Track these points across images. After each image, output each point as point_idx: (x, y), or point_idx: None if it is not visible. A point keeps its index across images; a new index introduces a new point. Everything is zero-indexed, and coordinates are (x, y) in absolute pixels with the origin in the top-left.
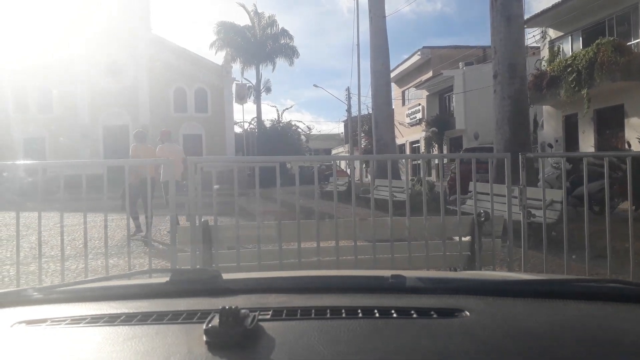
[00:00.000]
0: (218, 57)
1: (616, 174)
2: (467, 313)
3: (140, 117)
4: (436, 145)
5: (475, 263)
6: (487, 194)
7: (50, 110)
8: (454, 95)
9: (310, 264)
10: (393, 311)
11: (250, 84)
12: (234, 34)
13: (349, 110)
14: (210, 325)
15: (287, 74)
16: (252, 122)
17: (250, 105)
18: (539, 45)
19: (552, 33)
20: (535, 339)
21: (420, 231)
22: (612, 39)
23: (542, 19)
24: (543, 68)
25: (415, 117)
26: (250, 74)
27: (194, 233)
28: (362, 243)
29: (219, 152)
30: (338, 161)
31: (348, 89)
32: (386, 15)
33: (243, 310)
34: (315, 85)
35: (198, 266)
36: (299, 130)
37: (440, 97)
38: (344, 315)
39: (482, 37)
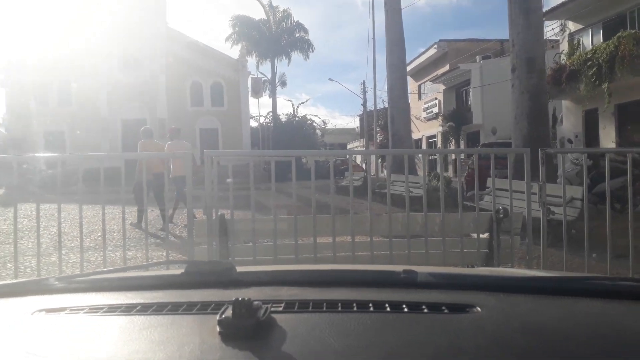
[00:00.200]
0: (233, 51)
1: (639, 170)
2: (479, 309)
3: (158, 111)
4: (453, 140)
5: (494, 260)
6: (506, 190)
7: (70, 104)
8: (471, 90)
9: (325, 259)
10: (404, 306)
11: (266, 78)
12: (249, 28)
13: (364, 105)
14: (223, 316)
15: (302, 68)
16: (268, 116)
17: (265, 100)
18: (558, 38)
19: (572, 26)
20: (546, 335)
21: (438, 227)
22: (633, 31)
23: (562, 11)
24: (562, 62)
25: (432, 112)
26: (266, 68)
27: (210, 226)
28: (378, 239)
29: (234, 146)
30: (354, 156)
31: (363, 83)
32: (402, 8)
33: (256, 302)
34: (330, 79)
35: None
36: (314, 124)
37: (457, 91)
38: (355, 308)
39: (500, 30)
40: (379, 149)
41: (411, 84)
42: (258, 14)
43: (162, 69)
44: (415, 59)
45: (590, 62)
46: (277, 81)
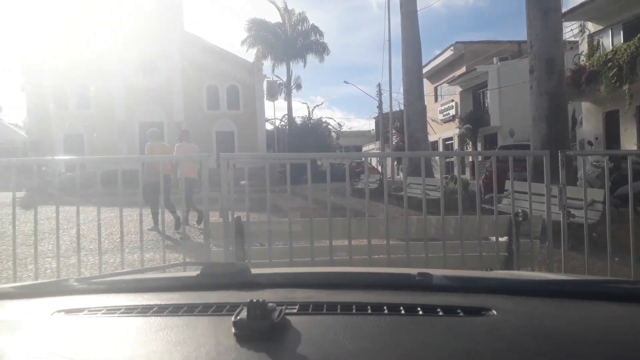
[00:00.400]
0: (249, 54)
1: None
2: (494, 312)
3: (175, 114)
4: (470, 143)
5: (513, 264)
6: (525, 192)
7: (88, 107)
8: (488, 91)
9: (341, 262)
10: (419, 308)
11: (281, 81)
12: (265, 31)
13: (380, 107)
14: (238, 317)
15: (317, 71)
16: (283, 119)
17: (281, 102)
18: (578, 39)
19: (591, 27)
20: (563, 339)
21: (455, 231)
22: None
23: (581, 12)
24: (582, 63)
25: (448, 114)
26: (281, 71)
27: (226, 229)
28: (394, 242)
29: (250, 149)
30: (369, 158)
31: (379, 85)
32: (418, 10)
33: (270, 304)
34: (345, 82)
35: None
36: (330, 127)
37: (474, 93)
38: (369, 311)
39: (518, 32)
40: (395, 151)
41: (427, 86)
42: (274, 17)
43: (178, 72)
44: (431, 61)
45: (610, 64)
46: (292, 84)
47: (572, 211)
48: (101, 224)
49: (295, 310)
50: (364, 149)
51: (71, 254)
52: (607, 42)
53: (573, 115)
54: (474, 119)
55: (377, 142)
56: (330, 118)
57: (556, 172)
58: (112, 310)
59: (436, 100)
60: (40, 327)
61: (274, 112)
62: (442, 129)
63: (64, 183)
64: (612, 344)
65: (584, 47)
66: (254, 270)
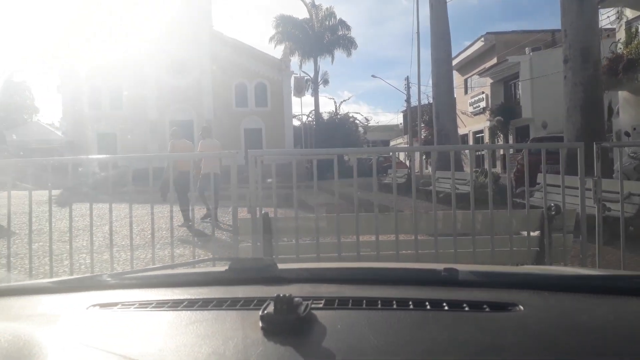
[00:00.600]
0: (277, 51)
1: None
2: (521, 307)
3: (205, 112)
4: (501, 135)
5: (545, 259)
6: (558, 186)
7: (121, 108)
8: (520, 83)
9: (368, 258)
10: (445, 304)
11: (308, 77)
12: (292, 28)
13: (408, 100)
14: (265, 312)
15: (344, 66)
16: (310, 115)
17: (308, 98)
18: (614, 26)
19: (629, 13)
20: (591, 335)
21: (485, 226)
22: None
23: None
24: (619, 51)
25: (479, 106)
26: (309, 67)
27: (254, 225)
28: (423, 237)
29: (278, 145)
30: (397, 153)
31: (407, 78)
32: (447, 0)
33: (297, 299)
34: (373, 76)
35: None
36: (357, 122)
37: (506, 84)
38: (394, 306)
39: (551, 21)
40: (424, 145)
41: (457, 78)
42: (301, 13)
43: (208, 71)
44: (461, 53)
45: None
46: (319, 80)
47: (608, 204)
48: (133, 220)
49: (321, 305)
50: (392, 143)
51: (104, 250)
52: None
53: (609, 105)
54: (505, 111)
55: (405, 136)
56: (357, 113)
57: (591, 164)
58: (144, 305)
59: (466, 92)
60: (77, 320)
61: (301, 108)
62: (472, 121)
63: (98, 181)
64: None
65: (621, 35)
66: (280, 266)
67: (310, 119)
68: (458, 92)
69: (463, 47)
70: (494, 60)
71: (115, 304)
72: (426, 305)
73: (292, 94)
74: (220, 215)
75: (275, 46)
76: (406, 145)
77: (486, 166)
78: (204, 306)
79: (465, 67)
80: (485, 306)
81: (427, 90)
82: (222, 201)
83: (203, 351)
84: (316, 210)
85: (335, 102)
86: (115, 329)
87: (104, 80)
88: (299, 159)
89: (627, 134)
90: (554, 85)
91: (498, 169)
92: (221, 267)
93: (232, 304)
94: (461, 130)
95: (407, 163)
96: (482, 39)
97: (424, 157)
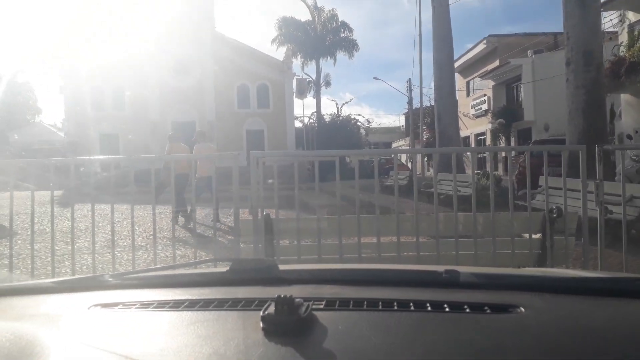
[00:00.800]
0: (279, 53)
1: None
2: (522, 309)
3: (206, 114)
4: (503, 138)
5: (546, 262)
6: (560, 188)
7: (123, 109)
8: (522, 85)
9: (370, 259)
10: (445, 305)
11: (310, 79)
12: (294, 29)
13: (410, 103)
14: (266, 312)
15: (346, 68)
16: (312, 117)
17: (310, 100)
18: (617, 29)
19: (632, 16)
20: (592, 337)
21: (487, 228)
22: None
23: (620, 1)
24: (621, 54)
25: (481, 109)
26: (311, 69)
27: (256, 226)
28: (424, 239)
29: (280, 147)
30: (399, 154)
31: (409, 81)
32: (449, 3)
33: (298, 300)
34: (375, 78)
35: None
36: (359, 123)
37: (508, 87)
38: (395, 307)
39: (554, 23)
40: (425, 147)
41: (459, 81)
42: (303, 15)
43: (210, 72)
44: (463, 55)
45: None
46: (321, 81)
47: (610, 207)
48: (134, 221)
49: (322, 306)
50: (394, 145)
51: (106, 250)
52: None
53: (611, 108)
54: (507, 113)
55: (407, 138)
56: (359, 115)
57: (593, 167)
58: (145, 305)
59: (468, 94)
60: (78, 320)
61: (303, 109)
62: (474, 124)
63: (100, 182)
64: None
65: (623, 38)
66: (281, 267)
67: (312, 120)
68: (460, 95)
69: (465, 49)
70: (496, 63)
71: (116, 304)
72: (427, 307)
73: (294, 96)
74: (222, 216)
75: (277, 48)
76: (408, 147)
77: (488, 168)
78: (205, 307)
79: (468, 69)
80: (486, 308)
81: (429, 93)
82: (222, 202)
83: (204, 352)
84: (318, 211)
85: (337, 104)
86: (117, 329)
87: (106, 81)
88: (300, 160)
89: (629, 137)
90: (556, 88)
91: (500, 171)
92: (222, 268)
93: (233, 304)
94: (463, 133)
95: (409, 165)
96: (485, 41)
97: (425, 159)
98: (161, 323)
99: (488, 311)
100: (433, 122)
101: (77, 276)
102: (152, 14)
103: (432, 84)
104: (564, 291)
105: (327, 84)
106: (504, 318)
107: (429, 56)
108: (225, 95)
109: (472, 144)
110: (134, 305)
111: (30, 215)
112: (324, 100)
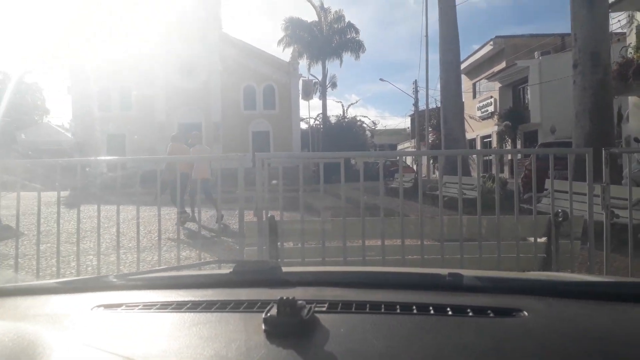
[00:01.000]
0: (285, 54)
1: None
2: (526, 313)
3: (213, 114)
4: (509, 140)
5: (552, 266)
6: (566, 192)
7: (130, 109)
8: (529, 87)
9: (374, 262)
10: (448, 309)
11: (317, 80)
12: (301, 30)
13: (416, 104)
14: (269, 314)
15: (352, 69)
16: (318, 118)
17: (315, 101)
18: (625, 30)
19: None
20: (595, 341)
21: (492, 231)
22: None
23: (629, 2)
24: (629, 55)
25: (487, 111)
26: (317, 70)
27: (260, 228)
28: (429, 242)
29: (285, 148)
30: (404, 157)
31: (415, 82)
32: (456, 4)
33: (300, 302)
34: (381, 79)
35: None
36: (364, 125)
37: (514, 89)
38: (398, 310)
39: (561, 25)
40: (431, 149)
41: (465, 82)
42: (310, 16)
43: (216, 73)
44: (469, 57)
45: None
46: (327, 83)
47: (616, 211)
48: (140, 222)
49: (324, 309)
50: (399, 147)
51: (111, 251)
52: None
53: (619, 111)
54: (514, 115)
55: (413, 141)
56: (364, 116)
57: (599, 170)
58: (148, 306)
59: (474, 96)
60: (81, 320)
61: (309, 111)
62: (480, 126)
63: (106, 183)
64: None
65: (631, 39)
66: (284, 269)
67: (317, 122)
68: (466, 97)
69: (472, 50)
70: (503, 64)
71: (119, 305)
72: (430, 310)
73: (300, 97)
74: (225, 218)
75: (283, 49)
76: (413, 150)
77: (494, 171)
78: (207, 308)
79: (474, 71)
80: (489, 311)
81: (435, 94)
82: (227, 204)
83: (206, 353)
84: (322, 213)
85: (342, 106)
86: (119, 330)
87: (113, 82)
88: (306, 162)
89: (637, 140)
90: (563, 90)
91: (506, 174)
92: (226, 270)
93: (235, 306)
94: (469, 135)
95: (414, 167)
96: (491, 42)
97: (431, 161)
98: (163, 324)
99: (491, 315)
100: (439, 124)
101: (81, 277)
102: (160, 15)
103: (439, 86)
104: (568, 295)
105: (333, 85)
106: (507, 322)
107: (435, 57)
108: (231, 97)
109: (478, 147)
110: (137, 306)
111: (37, 215)
112: (329, 102)
